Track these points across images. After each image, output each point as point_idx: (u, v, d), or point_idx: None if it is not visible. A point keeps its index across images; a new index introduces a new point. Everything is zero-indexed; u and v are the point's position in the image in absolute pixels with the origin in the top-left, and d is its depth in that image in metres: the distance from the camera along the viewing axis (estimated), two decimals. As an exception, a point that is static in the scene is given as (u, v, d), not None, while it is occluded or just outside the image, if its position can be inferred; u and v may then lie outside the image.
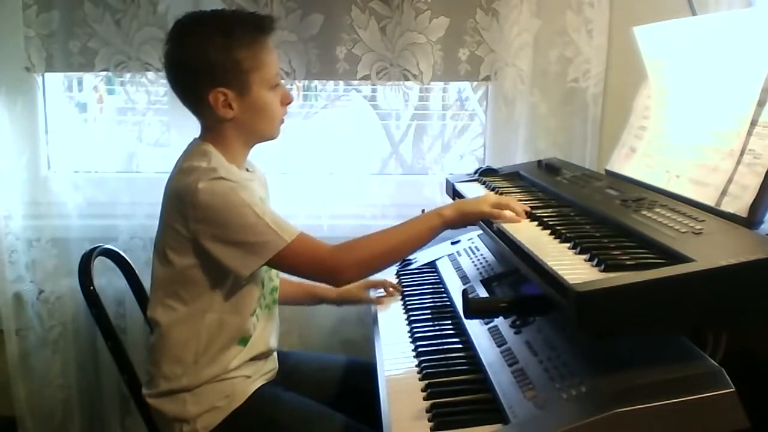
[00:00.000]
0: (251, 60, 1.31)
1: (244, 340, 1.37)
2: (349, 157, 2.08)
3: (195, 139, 1.39)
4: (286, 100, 1.39)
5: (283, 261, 1.27)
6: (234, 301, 1.34)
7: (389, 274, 1.78)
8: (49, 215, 2.01)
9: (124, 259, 1.64)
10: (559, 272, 0.90)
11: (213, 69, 1.29)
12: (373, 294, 1.67)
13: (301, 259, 1.28)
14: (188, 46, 1.31)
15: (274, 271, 1.45)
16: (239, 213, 1.24)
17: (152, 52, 1.92)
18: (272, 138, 1.42)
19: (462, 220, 1.33)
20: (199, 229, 1.25)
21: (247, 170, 1.44)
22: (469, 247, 1.74)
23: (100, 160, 2.09)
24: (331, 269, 1.30)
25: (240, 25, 1.32)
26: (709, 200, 1.13)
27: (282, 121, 1.41)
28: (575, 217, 1.21)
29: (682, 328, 0.91)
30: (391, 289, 1.67)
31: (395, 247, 1.33)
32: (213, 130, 1.36)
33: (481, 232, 1.54)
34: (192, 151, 1.35)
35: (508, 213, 1.25)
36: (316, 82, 2.08)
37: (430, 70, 1.94)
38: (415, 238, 1.33)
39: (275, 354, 1.49)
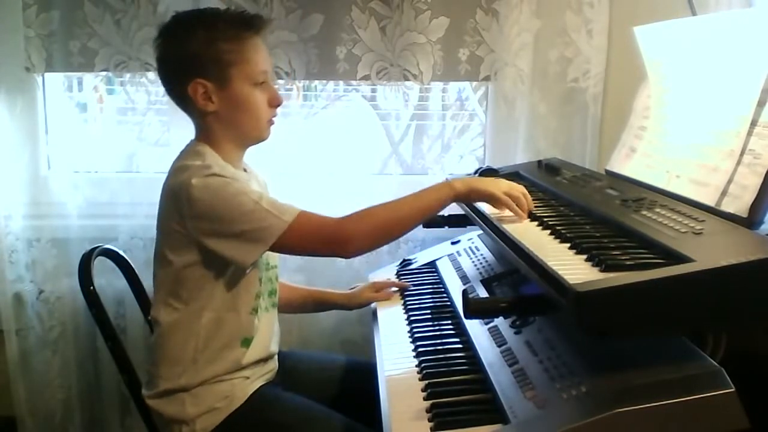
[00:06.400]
0: (234, 54, 1.31)
1: (246, 342, 1.37)
2: (349, 157, 2.08)
3: (191, 140, 1.39)
4: (274, 102, 1.37)
5: (288, 242, 1.25)
6: (231, 299, 1.34)
7: (390, 274, 1.79)
8: (49, 215, 2.01)
9: (124, 259, 1.64)
10: (559, 272, 0.90)
11: (193, 60, 1.30)
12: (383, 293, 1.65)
13: (307, 236, 1.26)
14: (172, 41, 1.34)
15: (273, 273, 1.45)
16: (236, 202, 1.24)
17: (152, 52, 1.90)
18: (260, 139, 1.41)
19: (469, 195, 1.33)
20: (197, 226, 1.26)
21: (245, 170, 1.44)
22: (469, 247, 1.74)
23: (100, 160, 2.09)
24: (339, 240, 1.27)
25: (225, 20, 1.33)
26: (709, 200, 1.13)
27: (271, 122, 1.40)
28: (575, 217, 1.21)
29: (682, 328, 0.91)
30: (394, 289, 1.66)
31: (404, 216, 1.31)
32: (204, 128, 1.36)
33: (481, 232, 1.54)
34: (187, 151, 1.36)
35: (509, 209, 1.26)
36: (316, 82, 2.08)
37: (430, 70, 1.94)
38: (424, 208, 1.32)
39: (275, 355, 1.49)
